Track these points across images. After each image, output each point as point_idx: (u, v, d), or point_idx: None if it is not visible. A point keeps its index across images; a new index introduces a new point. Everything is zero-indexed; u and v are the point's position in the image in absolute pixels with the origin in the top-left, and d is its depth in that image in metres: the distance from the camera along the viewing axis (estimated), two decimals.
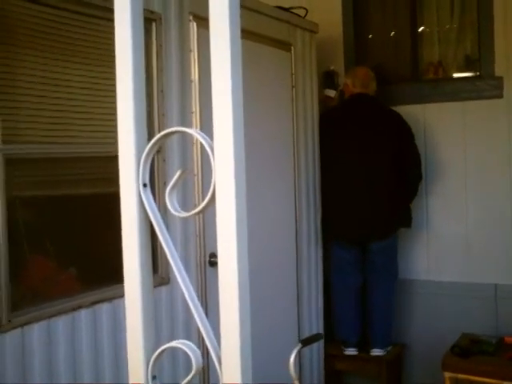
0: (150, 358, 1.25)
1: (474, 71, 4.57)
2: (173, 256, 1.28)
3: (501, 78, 4.37)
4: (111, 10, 1.17)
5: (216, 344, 1.19)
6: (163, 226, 1.28)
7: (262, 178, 3.68)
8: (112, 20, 1.17)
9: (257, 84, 3.69)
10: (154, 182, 2.79)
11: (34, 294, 2.37)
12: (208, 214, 3.44)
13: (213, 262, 3.11)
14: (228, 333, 1.17)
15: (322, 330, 4.26)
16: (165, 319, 2.84)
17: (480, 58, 4.51)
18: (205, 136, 1.22)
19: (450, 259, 4.48)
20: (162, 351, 1.27)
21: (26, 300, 2.29)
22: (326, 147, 4.30)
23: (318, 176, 4.28)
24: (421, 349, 4.46)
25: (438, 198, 4.53)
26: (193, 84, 3.09)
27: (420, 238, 4.57)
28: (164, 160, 2.89)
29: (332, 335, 4.42)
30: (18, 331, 2.15)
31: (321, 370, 4.30)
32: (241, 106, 1.21)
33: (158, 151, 2.90)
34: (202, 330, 1.20)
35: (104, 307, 2.52)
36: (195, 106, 3.09)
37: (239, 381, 1.15)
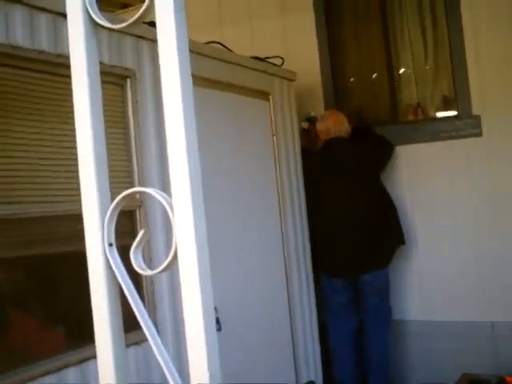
0: None
1: (452, 111, 4.63)
2: (142, 316, 1.28)
3: (478, 117, 4.43)
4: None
5: None
6: (131, 286, 1.29)
7: (248, 227, 3.69)
8: None
9: (237, 134, 3.74)
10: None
11: (17, 356, 2.35)
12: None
13: None
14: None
15: (320, 374, 4.24)
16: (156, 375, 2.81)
17: (456, 98, 4.58)
18: (164, 195, 1.24)
19: (444, 298, 4.46)
20: None
21: (10, 361, 2.27)
22: (310, 189, 4.39)
23: (305, 220, 4.31)
24: None
25: (427, 236, 4.54)
26: None
27: (412, 278, 4.57)
28: (146, 214, 2.91)
29: (333, 378, 4.38)
30: None
31: None
32: (197, 161, 1.23)
33: (140, 206, 2.92)
34: None
35: (90, 365, 2.49)
36: None
37: None
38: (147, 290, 2.89)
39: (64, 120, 2.49)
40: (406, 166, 4.62)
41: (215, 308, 3.26)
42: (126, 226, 2.85)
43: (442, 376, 4.07)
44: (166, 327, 2.88)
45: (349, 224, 4.28)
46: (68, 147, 2.44)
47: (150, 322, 1.27)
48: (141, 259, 1.27)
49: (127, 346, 2.53)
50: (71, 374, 2.41)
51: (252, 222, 3.75)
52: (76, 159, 1.25)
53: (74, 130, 1.24)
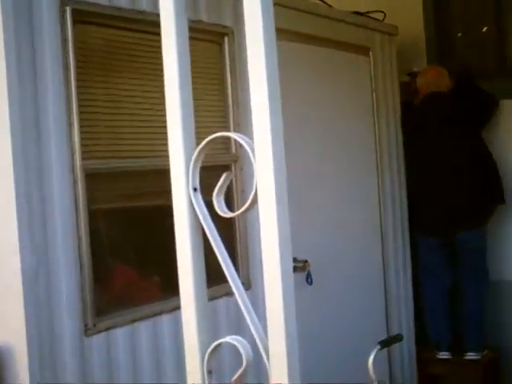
0: (205, 352, 1.30)
1: None
2: (224, 258, 1.32)
3: None
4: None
5: (266, 343, 1.22)
6: (214, 230, 1.33)
7: (344, 179, 3.71)
8: None
9: (336, 89, 3.72)
10: (233, 191, 2.87)
11: (117, 301, 2.50)
12: (294, 220, 3.45)
13: (295, 267, 3.15)
14: (275, 336, 1.20)
15: (412, 332, 4.22)
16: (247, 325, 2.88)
17: None
18: (247, 139, 1.27)
19: None
20: (217, 346, 1.32)
21: (110, 306, 2.42)
22: (408, 144, 4.34)
23: (403, 176, 4.25)
24: None
25: None
26: None
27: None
28: (241, 169, 2.97)
29: (425, 338, 4.37)
30: (102, 335, 2.29)
31: (413, 373, 4.24)
32: (278, 107, 1.24)
33: (236, 161, 2.98)
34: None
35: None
36: None
37: (286, 381, 1.18)
38: (240, 239, 2.95)
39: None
40: None
41: (307, 261, 3.30)
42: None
43: None
44: (258, 277, 2.93)
45: (447, 181, 4.21)
46: None
47: (234, 273, 1.31)
48: (223, 203, 1.31)
49: (218, 297, 2.62)
50: (165, 320, 2.53)
51: (348, 177, 3.75)
52: None
53: None
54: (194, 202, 1.33)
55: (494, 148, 4.37)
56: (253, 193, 1.25)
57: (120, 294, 2.51)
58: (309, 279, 3.19)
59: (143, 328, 2.46)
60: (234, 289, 1.29)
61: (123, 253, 2.56)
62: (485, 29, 4.74)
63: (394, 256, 4.12)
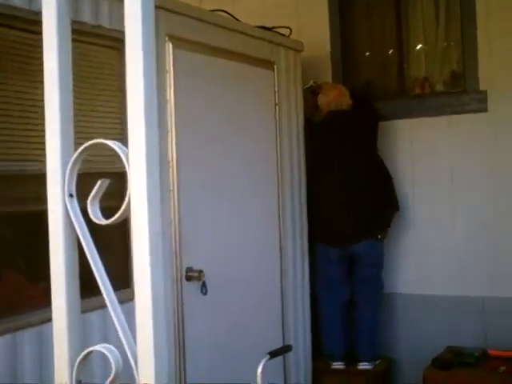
0: (75, 361, 1.29)
1: (459, 86, 4.61)
2: (97, 268, 1.30)
3: (485, 92, 4.41)
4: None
5: (135, 350, 1.22)
6: (89, 237, 1.31)
7: (244, 191, 3.73)
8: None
9: (239, 101, 3.75)
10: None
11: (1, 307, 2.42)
12: (185, 229, 3.46)
13: (189, 277, 3.16)
14: (143, 338, 1.20)
15: (308, 342, 4.30)
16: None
17: (465, 73, 4.56)
18: (122, 147, 1.26)
19: (438, 272, 4.49)
20: (87, 355, 1.31)
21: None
22: (310, 159, 4.43)
23: (303, 190, 4.34)
24: (408, 362, 4.46)
25: (425, 210, 4.56)
26: (168, 104, 3.15)
27: (407, 252, 4.60)
28: None
29: (320, 349, 4.45)
30: None
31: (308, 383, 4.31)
32: (155, 115, 1.25)
33: None
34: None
35: None
36: (171, 125, 3.15)
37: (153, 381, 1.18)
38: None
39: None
40: (410, 139, 4.63)
41: (202, 271, 3.30)
42: (119, 188, 2.89)
43: (428, 348, 4.11)
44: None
45: (347, 194, 4.33)
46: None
47: (107, 280, 1.29)
48: (97, 209, 1.30)
49: (92, 309, 2.57)
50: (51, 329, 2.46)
51: (248, 188, 3.78)
52: None
53: None
54: (69, 208, 1.32)
55: (388, 162, 4.54)
56: (125, 201, 1.25)
57: (3, 300, 2.44)
58: (203, 289, 3.20)
59: (26, 337, 2.39)
60: (104, 296, 1.28)
61: (8, 258, 2.49)
62: (386, 49, 4.90)
63: (293, 267, 4.18)
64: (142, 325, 1.21)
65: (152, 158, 1.23)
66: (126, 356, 1.27)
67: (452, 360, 3.74)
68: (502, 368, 3.60)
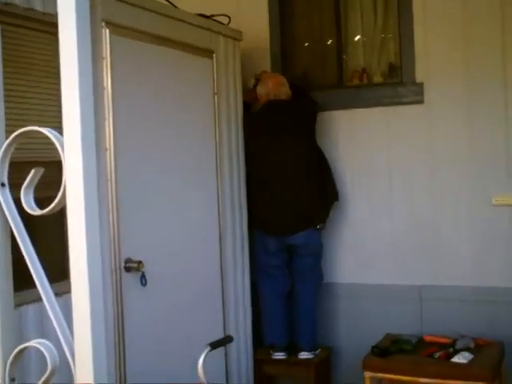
0: (8, 358, 1.24)
1: (397, 78, 4.67)
2: (31, 260, 1.26)
3: (421, 84, 4.47)
4: None
5: (72, 345, 1.19)
6: (22, 228, 1.27)
7: (182, 180, 3.69)
8: None
9: (178, 89, 3.70)
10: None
11: None
12: (124, 219, 3.39)
13: (128, 268, 3.11)
14: (81, 333, 1.16)
15: (249, 333, 4.30)
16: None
17: (401, 65, 4.61)
18: (57, 135, 1.22)
19: (376, 262, 4.55)
20: (21, 351, 1.26)
21: None
22: (249, 148, 4.42)
23: (242, 179, 4.32)
24: (348, 351, 4.53)
25: (363, 201, 4.61)
26: (105, 91, 3.09)
27: (346, 242, 4.64)
28: None
29: (261, 340, 4.46)
30: None
31: (250, 374, 4.31)
32: (90, 104, 1.21)
33: None
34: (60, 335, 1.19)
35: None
36: (108, 113, 3.08)
37: (91, 381, 1.15)
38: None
39: None
40: (348, 131, 4.67)
41: (141, 262, 3.25)
42: (56, 176, 2.82)
43: (367, 336, 4.17)
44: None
45: (285, 184, 4.33)
46: None
47: (41, 272, 1.25)
48: (31, 199, 1.26)
49: (28, 303, 2.49)
50: None
51: (187, 178, 3.74)
52: None
53: None
54: (0, 198, 1.27)
55: (327, 153, 4.57)
56: (61, 191, 1.21)
57: None
58: (143, 280, 3.15)
59: None
60: (40, 290, 1.24)
61: None
62: (325, 40, 4.92)
63: (233, 257, 4.17)
64: (80, 319, 1.17)
65: (88, 145, 1.19)
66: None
67: (390, 347, 3.80)
68: (438, 354, 3.68)
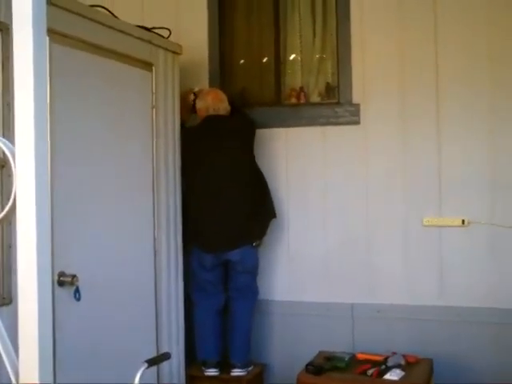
0: None
1: (334, 98, 4.74)
2: None
3: (358, 105, 4.56)
4: None
5: (16, 363, 1.15)
6: None
7: (118, 193, 3.63)
8: None
9: (115, 101, 3.65)
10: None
11: None
12: (58, 231, 3.31)
13: (62, 282, 3.02)
14: (27, 347, 1.12)
15: (182, 349, 4.24)
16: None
17: (339, 86, 4.69)
18: (8, 144, 1.18)
19: (310, 280, 4.59)
20: None
21: None
22: (186, 164, 4.37)
23: (178, 194, 4.28)
24: (281, 368, 4.54)
25: (299, 219, 4.65)
26: None
27: (281, 259, 4.67)
28: (9, 175, 2.78)
29: (194, 356, 4.42)
30: None
31: None
32: (44, 112, 1.17)
33: (3, 166, 2.79)
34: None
35: None
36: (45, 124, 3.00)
37: None
38: (2, 249, 2.75)
39: None
40: (285, 149, 4.71)
41: (75, 276, 3.17)
42: None
43: (301, 354, 4.19)
44: None
45: (221, 200, 4.31)
46: None
47: None
48: None
49: None
50: None
51: (123, 191, 3.68)
52: None
53: None
54: None
55: (264, 170, 4.59)
56: (11, 201, 1.17)
57: None
58: (77, 295, 3.07)
59: None
60: None
61: None
62: (265, 59, 4.96)
63: (167, 272, 4.11)
64: (26, 334, 1.13)
65: (41, 156, 1.16)
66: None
67: (324, 365, 3.82)
68: (370, 371, 3.72)
